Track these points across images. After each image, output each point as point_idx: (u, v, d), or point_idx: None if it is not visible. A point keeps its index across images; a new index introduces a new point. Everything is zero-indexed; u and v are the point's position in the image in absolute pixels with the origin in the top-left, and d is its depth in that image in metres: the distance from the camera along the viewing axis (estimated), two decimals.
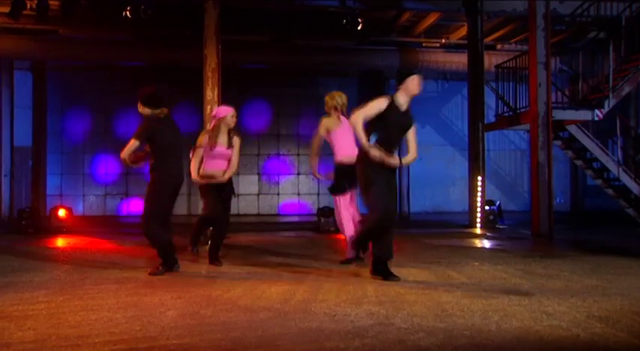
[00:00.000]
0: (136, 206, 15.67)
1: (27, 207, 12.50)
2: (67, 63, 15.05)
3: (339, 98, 6.68)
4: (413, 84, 5.52)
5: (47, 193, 15.38)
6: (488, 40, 14.44)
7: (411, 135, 5.65)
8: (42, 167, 15.21)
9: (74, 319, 4.01)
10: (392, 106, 5.47)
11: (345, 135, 6.50)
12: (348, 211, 6.61)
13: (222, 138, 6.40)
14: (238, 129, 6.75)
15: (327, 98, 6.74)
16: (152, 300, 4.65)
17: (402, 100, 5.55)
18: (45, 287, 5.23)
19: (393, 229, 5.61)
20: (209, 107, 9.75)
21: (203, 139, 6.46)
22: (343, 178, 6.50)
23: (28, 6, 12.50)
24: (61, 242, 9.49)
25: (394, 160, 5.45)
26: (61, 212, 11.08)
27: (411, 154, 5.72)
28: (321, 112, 7.22)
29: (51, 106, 15.52)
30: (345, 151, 6.44)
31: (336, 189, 6.63)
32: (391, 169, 5.55)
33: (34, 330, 3.74)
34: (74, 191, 15.84)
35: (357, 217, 6.63)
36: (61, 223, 11.03)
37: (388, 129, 5.47)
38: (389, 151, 5.44)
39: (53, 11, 12.88)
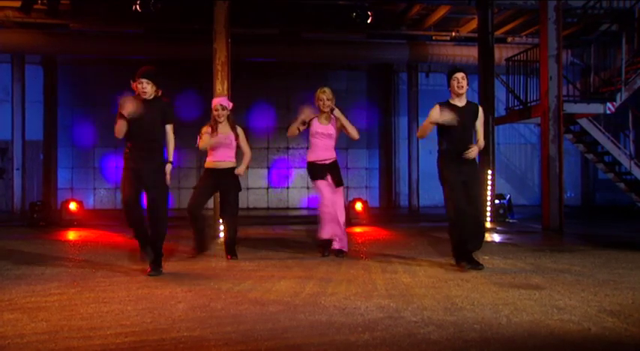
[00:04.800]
0: (144, 200, 15.74)
1: (38, 200, 12.60)
2: (77, 57, 15.13)
3: None
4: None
5: (58, 187, 15.51)
6: (498, 33, 14.34)
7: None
8: (53, 161, 15.33)
9: (86, 311, 4.04)
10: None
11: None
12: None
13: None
14: (242, 122, 6.92)
15: (325, 97, 7.04)
16: (163, 293, 4.68)
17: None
18: (57, 280, 5.27)
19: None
20: None
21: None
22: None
23: (39, 0, 12.56)
24: (72, 235, 9.54)
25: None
26: (72, 205, 11.13)
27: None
28: None
29: (62, 100, 15.62)
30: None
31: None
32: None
33: (46, 321, 3.77)
34: (85, 185, 15.94)
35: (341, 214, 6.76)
36: (72, 216, 11.08)
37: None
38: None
39: (64, 5, 12.95)
